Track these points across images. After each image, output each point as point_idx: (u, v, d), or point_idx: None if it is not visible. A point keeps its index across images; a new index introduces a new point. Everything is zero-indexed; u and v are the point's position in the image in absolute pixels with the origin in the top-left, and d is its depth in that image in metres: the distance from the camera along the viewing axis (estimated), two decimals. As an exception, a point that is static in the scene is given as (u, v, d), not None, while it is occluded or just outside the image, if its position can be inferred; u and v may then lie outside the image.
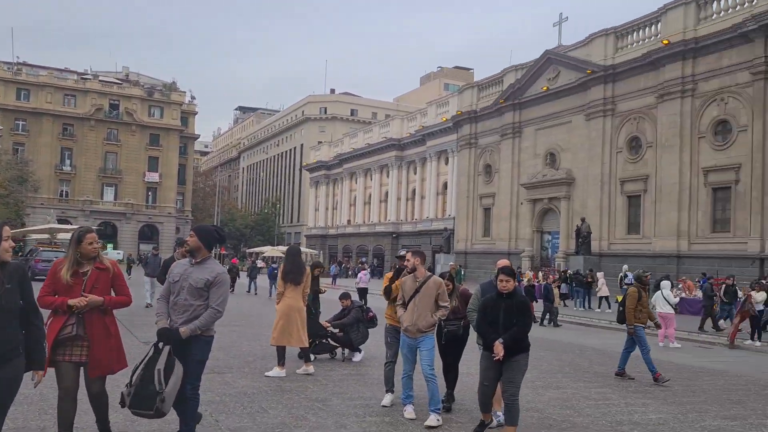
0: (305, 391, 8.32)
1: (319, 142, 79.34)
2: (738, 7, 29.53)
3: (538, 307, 18.72)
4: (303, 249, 67.42)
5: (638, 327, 10.75)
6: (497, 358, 6.02)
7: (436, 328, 7.15)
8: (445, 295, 7.06)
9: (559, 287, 23.29)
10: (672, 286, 17.70)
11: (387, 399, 7.63)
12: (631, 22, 35.13)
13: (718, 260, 28.46)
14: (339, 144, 72.52)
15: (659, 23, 33.07)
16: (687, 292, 24.84)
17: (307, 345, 9.57)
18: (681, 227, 30.73)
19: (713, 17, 30.58)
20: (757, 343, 16.23)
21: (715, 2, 30.68)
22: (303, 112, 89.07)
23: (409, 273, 7.19)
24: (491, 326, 6.19)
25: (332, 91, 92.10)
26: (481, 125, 46.11)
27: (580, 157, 37.12)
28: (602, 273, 26.75)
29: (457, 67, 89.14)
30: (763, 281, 19.58)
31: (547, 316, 19.75)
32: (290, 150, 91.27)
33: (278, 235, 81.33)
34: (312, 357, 10.26)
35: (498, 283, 6.27)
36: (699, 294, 24.87)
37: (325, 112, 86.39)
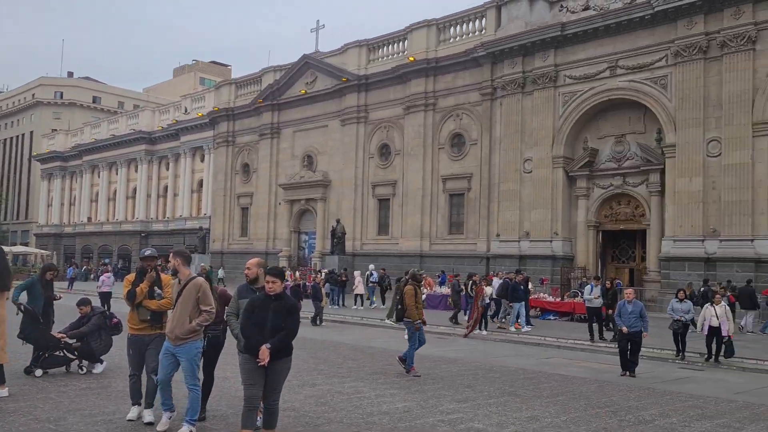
0: (34, 410, 7.32)
1: (54, 130, 70.71)
2: (470, 34, 33.36)
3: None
4: (31, 250, 60.20)
5: (408, 322, 11.44)
6: (263, 363, 5.78)
7: (199, 335, 6.73)
8: (207, 297, 6.62)
9: (323, 286, 23.99)
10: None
11: (133, 412, 7.06)
12: (382, 36, 37.58)
13: (454, 259, 31.82)
14: (78, 133, 65.55)
15: (406, 41, 35.91)
16: (428, 288, 27.24)
17: (7, 361, 8.29)
18: (424, 229, 33.72)
19: (450, 41, 34.14)
20: (484, 332, 18.44)
21: (452, 27, 34.29)
22: (34, 95, 78.47)
23: (173, 276, 6.72)
24: (258, 329, 5.88)
25: (70, 74, 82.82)
26: (239, 123, 45.46)
27: (336, 161, 38.62)
28: (359, 272, 28.08)
29: (213, 62, 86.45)
30: (488, 278, 22.27)
31: (318, 317, 20.24)
32: (17, 137, 79.85)
33: (1, 234, 70.76)
34: (39, 372, 9.21)
35: (265, 284, 6.01)
36: (438, 290, 27.59)
37: (62, 97, 77.19)
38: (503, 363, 13.22)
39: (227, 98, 46.45)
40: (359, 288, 26.38)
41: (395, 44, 36.87)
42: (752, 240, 22.96)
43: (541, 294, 25.06)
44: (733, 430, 8.02)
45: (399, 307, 11.75)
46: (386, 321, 20.04)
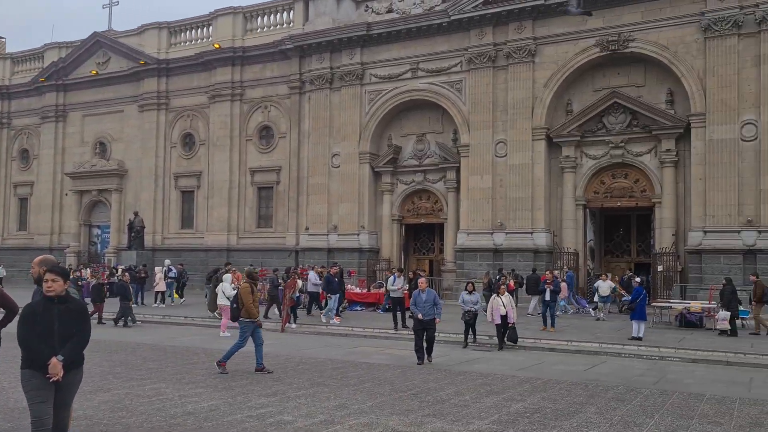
0: None
1: None
2: (279, 25, 33.08)
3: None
4: None
5: (244, 321, 10.93)
6: (56, 379, 4.98)
7: None
8: None
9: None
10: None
11: None
12: (185, 20, 35.73)
13: (263, 252, 31.38)
14: None
15: (211, 27, 34.55)
16: (237, 283, 26.49)
17: None
18: (231, 222, 32.78)
19: (258, 30, 33.54)
20: (293, 326, 18.45)
21: (260, 17, 33.71)
22: None
23: None
24: (44, 339, 5.03)
25: None
26: (16, 104, 40.40)
27: (133, 149, 36.00)
28: (160, 268, 26.45)
29: (-15, 33, 75.88)
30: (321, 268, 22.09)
31: (129, 317, 18.80)
32: None
33: None
34: None
35: (43, 284, 5.16)
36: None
37: None
38: (312, 355, 13.34)
39: (1, 74, 41.03)
40: (161, 285, 24.90)
41: (199, 29, 35.31)
42: (531, 233, 25.74)
43: (349, 286, 25.71)
44: (516, 401, 8.92)
45: (235, 305, 11.21)
46: (213, 314, 19.15)
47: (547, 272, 19.80)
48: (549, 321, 17.75)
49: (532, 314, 21.33)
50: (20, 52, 41.71)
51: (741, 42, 22.81)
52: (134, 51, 35.75)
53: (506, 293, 14.96)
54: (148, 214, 34.10)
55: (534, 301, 21.64)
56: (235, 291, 16.56)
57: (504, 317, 14.42)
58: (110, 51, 37.03)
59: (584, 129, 25.70)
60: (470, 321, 14.84)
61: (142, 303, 25.06)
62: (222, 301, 17.17)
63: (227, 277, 18.01)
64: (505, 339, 14.71)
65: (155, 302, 24.52)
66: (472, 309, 14.81)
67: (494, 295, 15.12)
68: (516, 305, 15.77)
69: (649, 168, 24.92)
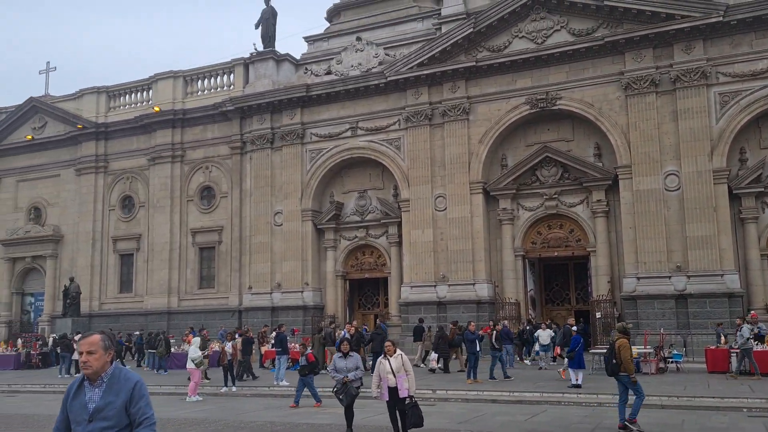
0: None
1: None
2: (219, 88, 33.42)
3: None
4: None
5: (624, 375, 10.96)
6: None
7: None
8: None
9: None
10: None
11: None
12: (123, 84, 35.70)
13: (205, 314, 30.74)
14: None
15: (151, 90, 34.61)
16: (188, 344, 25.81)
17: None
18: (172, 284, 32.07)
19: (198, 93, 33.80)
20: (234, 389, 18.02)
21: (200, 80, 34.03)
22: None
23: None
24: None
25: None
26: (-53, 171, 39.06)
27: (70, 213, 35.12)
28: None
29: None
30: (237, 333, 21.93)
31: None
32: None
33: None
34: None
35: None
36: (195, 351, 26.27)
37: None
38: (252, 418, 13.05)
39: (-70, 141, 39.71)
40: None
41: (139, 93, 35.32)
42: (474, 284, 26.15)
43: (292, 344, 25.31)
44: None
45: (614, 361, 11.01)
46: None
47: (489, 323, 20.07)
48: (473, 373, 17.77)
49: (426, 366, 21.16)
50: (-50, 118, 40.52)
51: (659, 99, 24.36)
52: (72, 115, 35.35)
53: (397, 352, 9.99)
54: (85, 280, 33.05)
55: (434, 354, 21.29)
56: (198, 354, 16.18)
57: (394, 390, 9.68)
58: (47, 116, 36.51)
59: (519, 182, 26.64)
60: (353, 398, 10.56)
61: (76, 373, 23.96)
62: (189, 365, 16.60)
63: (196, 340, 17.53)
64: (406, 424, 9.62)
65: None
66: (353, 378, 10.71)
67: (380, 358, 10.12)
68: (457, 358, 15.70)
69: (583, 218, 25.90)
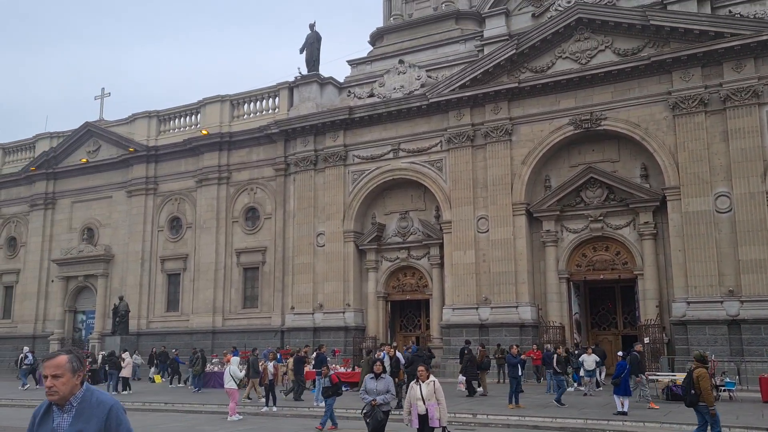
0: None
1: None
2: (264, 111, 34.16)
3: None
4: None
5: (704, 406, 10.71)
6: None
7: None
8: None
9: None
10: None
11: None
12: (173, 108, 36.83)
13: (248, 333, 31.09)
14: None
15: (199, 114, 35.61)
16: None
17: None
18: (216, 304, 32.61)
19: (244, 117, 34.61)
20: (274, 408, 18.12)
21: (246, 104, 34.85)
22: None
23: None
24: None
25: None
26: (6, 193, 40.85)
27: (120, 234, 36.21)
28: (128, 353, 26.03)
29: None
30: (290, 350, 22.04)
31: None
32: None
33: None
34: None
35: None
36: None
37: None
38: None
39: (-8, 164, 41.73)
40: (127, 370, 24.56)
41: (188, 117, 36.36)
42: (517, 307, 25.76)
43: (334, 365, 25.35)
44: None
45: (693, 391, 10.86)
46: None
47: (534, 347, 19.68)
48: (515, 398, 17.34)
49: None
50: (11, 143, 42.51)
51: (708, 118, 23.74)
52: (124, 139, 36.61)
53: (430, 378, 9.63)
54: (133, 298, 33.90)
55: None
56: (243, 373, 16.33)
57: (424, 417, 9.31)
58: (101, 139, 37.89)
59: (563, 204, 26.24)
60: (378, 423, 9.98)
61: (117, 390, 24.44)
62: (229, 384, 16.71)
63: (235, 359, 17.77)
64: None
65: (123, 389, 23.96)
66: (382, 402, 10.07)
67: (413, 383, 9.88)
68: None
69: (629, 240, 25.30)
